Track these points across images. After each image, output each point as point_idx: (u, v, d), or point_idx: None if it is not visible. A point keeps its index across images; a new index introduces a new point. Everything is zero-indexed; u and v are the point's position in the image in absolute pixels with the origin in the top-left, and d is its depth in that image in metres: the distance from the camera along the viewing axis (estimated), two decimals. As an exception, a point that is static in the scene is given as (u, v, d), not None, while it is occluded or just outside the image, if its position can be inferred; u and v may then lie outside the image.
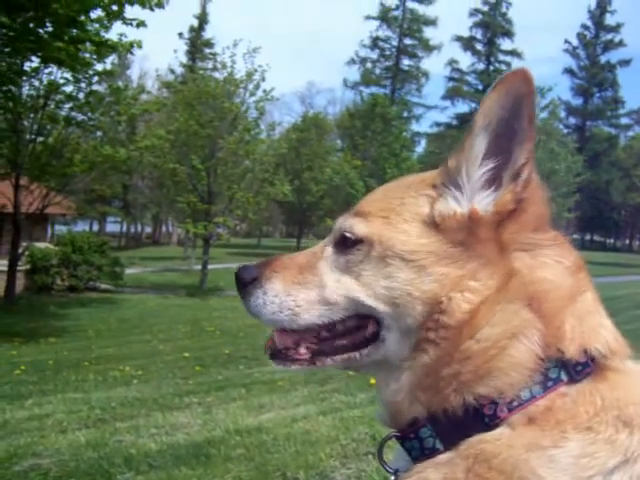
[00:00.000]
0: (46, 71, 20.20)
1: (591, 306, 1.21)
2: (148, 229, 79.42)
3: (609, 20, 77.74)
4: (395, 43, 73.31)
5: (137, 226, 75.86)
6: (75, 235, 31.35)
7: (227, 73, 31.82)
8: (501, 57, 74.92)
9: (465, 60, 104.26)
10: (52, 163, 22.12)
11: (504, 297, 1.14)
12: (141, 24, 16.80)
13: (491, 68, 74.12)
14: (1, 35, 16.22)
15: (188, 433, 6.26)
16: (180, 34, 66.45)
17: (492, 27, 72.99)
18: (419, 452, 1.18)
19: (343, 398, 8.00)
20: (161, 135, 25.41)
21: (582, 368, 1.14)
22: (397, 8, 72.41)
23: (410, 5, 72.09)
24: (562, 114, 74.27)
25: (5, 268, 23.96)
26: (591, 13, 78.08)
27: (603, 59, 78.77)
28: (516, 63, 72.30)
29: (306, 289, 1.32)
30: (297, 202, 55.06)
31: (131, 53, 18.87)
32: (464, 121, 74.05)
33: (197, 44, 66.09)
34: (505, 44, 74.83)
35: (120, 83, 26.49)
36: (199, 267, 34.52)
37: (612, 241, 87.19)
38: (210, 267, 33.88)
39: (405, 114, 64.68)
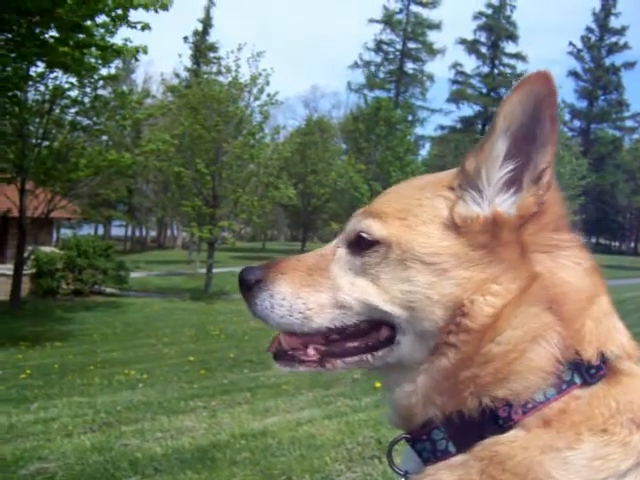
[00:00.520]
0: (51, 76, 20.27)
1: (607, 309, 1.22)
2: (153, 233, 79.59)
3: (614, 23, 77.61)
4: (399, 47, 73.34)
5: (142, 230, 76.01)
6: (80, 239, 31.42)
7: (231, 77, 31.90)
8: (505, 60, 74.83)
9: (469, 63, 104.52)
10: (57, 167, 22.18)
11: (526, 300, 1.14)
12: (146, 27, 16.83)
13: (495, 71, 74.05)
14: (7, 40, 16.29)
15: (193, 437, 6.26)
16: (185, 38, 66.73)
17: (496, 30, 72.92)
18: (431, 454, 1.17)
19: (348, 402, 7.99)
20: (166, 139, 25.45)
21: (596, 371, 1.14)
22: (401, 12, 72.48)
23: (414, 9, 72.17)
24: (566, 117, 74.18)
25: (11, 272, 24.03)
26: (596, 16, 77.95)
27: (608, 62, 78.60)
28: (520, 66, 72.29)
29: (317, 292, 1.29)
30: (302, 206, 55.14)
31: (136, 59, 18.91)
32: (469, 124, 74.05)
33: (201, 48, 66.23)
34: (509, 47, 74.75)
35: (125, 87, 26.59)
36: (204, 271, 34.54)
37: (617, 244, 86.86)
38: (215, 271, 33.90)
39: (409, 117, 64.61)
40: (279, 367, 1.34)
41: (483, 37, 74.93)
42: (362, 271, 1.26)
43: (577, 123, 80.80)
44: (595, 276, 1.22)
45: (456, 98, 75.74)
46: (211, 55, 65.21)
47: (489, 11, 73.65)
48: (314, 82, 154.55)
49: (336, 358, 1.30)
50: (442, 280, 1.18)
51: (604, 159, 73.16)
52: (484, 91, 74.31)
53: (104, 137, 25.16)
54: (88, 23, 16.30)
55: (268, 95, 31.94)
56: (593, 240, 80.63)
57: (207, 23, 67.21)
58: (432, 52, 72.96)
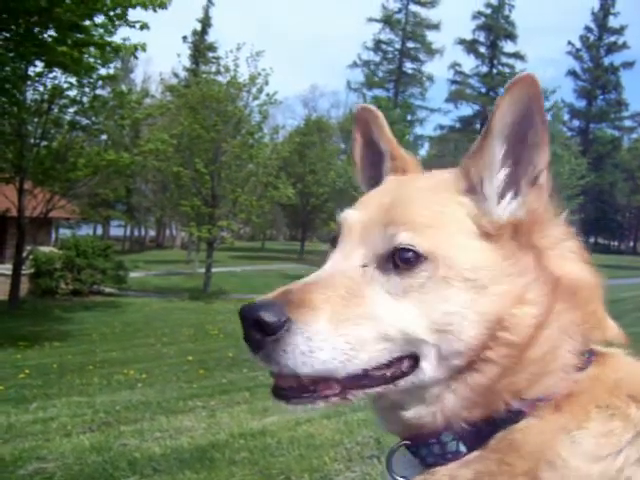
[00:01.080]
0: (50, 75, 20.25)
1: (601, 296, 1.25)
2: (152, 233, 79.52)
3: (612, 22, 77.67)
4: (398, 46, 73.39)
5: (141, 230, 75.95)
6: (79, 239, 31.42)
7: (230, 77, 31.87)
8: (504, 60, 74.86)
9: (468, 63, 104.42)
10: (56, 167, 22.14)
11: (554, 302, 1.15)
12: (144, 26, 16.83)
13: (494, 71, 74.07)
14: (5, 39, 16.27)
15: (192, 437, 6.25)
16: (184, 38, 66.72)
17: (495, 30, 72.94)
18: (438, 457, 1.16)
19: (347, 401, 7.97)
20: (164, 139, 25.44)
21: (588, 355, 1.18)
22: (400, 11, 72.54)
23: (413, 8, 72.21)
24: (565, 117, 74.20)
25: (9, 272, 24.01)
26: (594, 15, 77.97)
27: (607, 61, 78.64)
28: (519, 66, 72.32)
29: (356, 325, 1.10)
30: (301, 205, 55.13)
31: (135, 56, 18.89)
32: (467, 124, 74.09)
33: (200, 48, 66.22)
34: (508, 47, 74.82)
35: (124, 87, 26.54)
36: (203, 270, 34.54)
37: (616, 244, 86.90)
38: (214, 270, 33.91)
39: (408, 117, 64.67)
40: (293, 408, 1.15)
41: (482, 37, 75.01)
42: (403, 294, 1.13)
43: (576, 123, 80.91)
44: (590, 265, 1.25)
45: (455, 98, 75.79)
46: (210, 55, 65.20)
47: (488, 11, 73.69)
48: (313, 81, 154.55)
49: (358, 389, 1.15)
50: (481, 297, 1.12)
51: (603, 159, 73.19)
52: (483, 91, 74.34)
53: (103, 137, 25.09)
54: (87, 23, 16.29)
55: (267, 95, 31.96)
56: (592, 239, 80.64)
57: (206, 23, 67.20)
58: (431, 52, 73.03)
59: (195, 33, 66.99)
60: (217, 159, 31.03)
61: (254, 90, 31.79)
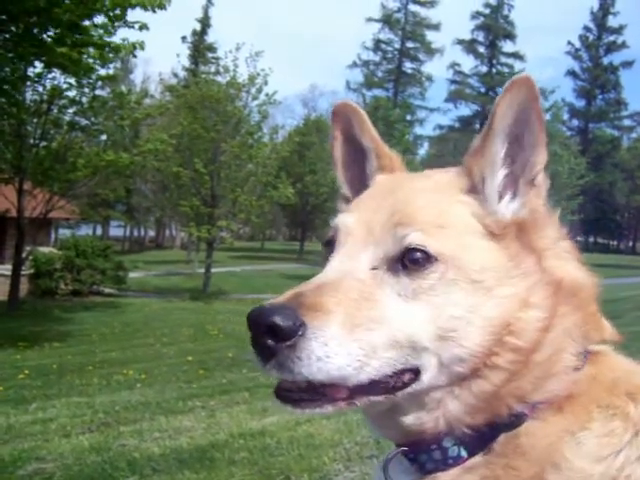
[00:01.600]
0: (49, 76, 20.24)
1: (597, 296, 1.24)
2: (151, 233, 79.51)
3: (612, 22, 77.82)
4: (397, 46, 73.45)
5: (140, 230, 75.94)
6: (79, 239, 31.41)
7: (230, 77, 31.88)
8: (503, 59, 74.99)
9: (467, 63, 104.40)
10: (55, 168, 22.13)
11: (557, 305, 1.15)
12: (144, 27, 16.82)
13: (493, 71, 74.16)
14: (4, 40, 16.26)
15: (192, 437, 6.25)
16: (183, 38, 66.74)
17: (494, 30, 73.01)
18: (440, 463, 1.14)
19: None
20: (164, 139, 25.45)
21: (584, 355, 1.17)
22: (399, 11, 72.61)
23: (412, 8, 72.26)
24: (565, 116, 74.28)
25: (9, 272, 23.99)
26: (594, 15, 78.05)
27: (606, 61, 78.77)
28: (518, 65, 72.43)
29: (368, 329, 1.07)
30: (300, 205, 55.12)
31: (134, 55, 18.87)
32: (467, 124, 74.14)
33: (200, 48, 66.26)
34: (507, 46, 74.98)
35: (123, 88, 26.54)
36: (202, 271, 34.54)
37: (615, 243, 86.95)
38: (213, 270, 33.91)
39: (408, 117, 64.68)
40: (300, 411, 1.11)
41: (481, 37, 75.14)
42: (413, 296, 1.11)
43: (575, 122, 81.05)
44: (584, 265, 1.25)
45: (454, 98, 75.88)
46: (209, 55, 65.23)
47: (487, 11, 73.77)
48: (313, 81, 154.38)
49: (363, 395, 1.10)
50: (487, 301, 1.11)
51: (602, 158, 73.25)
52: (482, 90, 74.44)
53: (102, 137, 25.07)
54: (86, 23, 16.28)
55: (266, 95, 31.96)
56: (591, 239, 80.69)
57: (205, 23, 67.24)
58: (430, 51, 73.10)
59: (194, 33, 67.05)
60: (216, 159, 31.03)
61: (253, 90, 31.83)
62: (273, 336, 1.01)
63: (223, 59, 34.01)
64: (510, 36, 74.12)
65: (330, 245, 1.26)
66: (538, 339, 1.12)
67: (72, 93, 21.25)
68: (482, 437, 1.12)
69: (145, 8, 15.99)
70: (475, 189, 1.21)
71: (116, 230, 71.38)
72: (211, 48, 66.54)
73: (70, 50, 15.87)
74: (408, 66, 74.28)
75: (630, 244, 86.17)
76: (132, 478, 4.97)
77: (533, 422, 1.11)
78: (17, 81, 18.52)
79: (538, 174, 1.21)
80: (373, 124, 1.44)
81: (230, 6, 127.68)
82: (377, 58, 74.48)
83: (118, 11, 16.23)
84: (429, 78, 73.90)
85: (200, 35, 67.17)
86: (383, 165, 1.41)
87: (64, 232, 49.47)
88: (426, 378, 1.12)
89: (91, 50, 17.20)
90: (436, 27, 72.23)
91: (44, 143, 22.82)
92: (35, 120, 22.12)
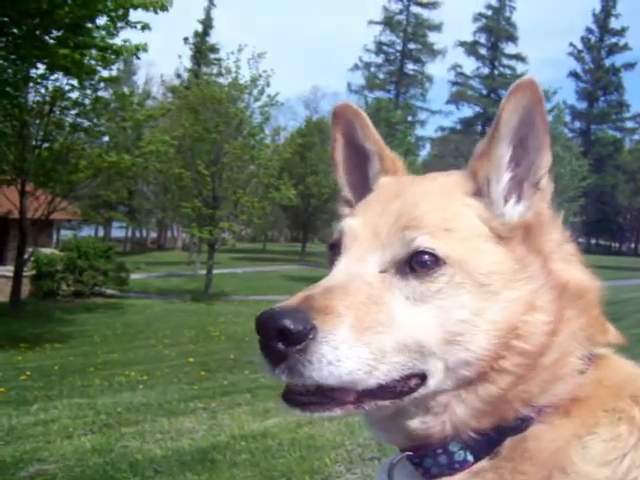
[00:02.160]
0: (52, 78, 20.26)
1: (600, 299, 1.24)
2: (153, 234, 79.58)
3: (614, 24, 77.78)
4: (399, 48, 73.52)
5: (142, 231, 76.02)
6: (80, 240, 31.44)
7: (232, 78, 31.91)
8: (505, 61, 75.05)
9: (469, 65, 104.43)
10: (58, 169, 22.18)
11: (563, 309, 1.15)
12: (146, 27, 16.86)
13: (495, 72, 74.19)
14: (7, 42, 16.29)
15: (193, 438, 6.25)
16: (185, 40, 66.80)
17: (496, 31, 73.06)
18: (445, 467, 1.13)
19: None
20: (165, 140, 25.47)
21: (589, 359, 1.17)
22: (401, 13, 72.65)
23: (414, 10, 72.32)
24: (567, 118, 74.22)
25: (11, 274, 24.02)
26: (596, 17, 78.04)
27: (608, 63, 78.76)
28: (520, 67, 72.49)
29: (377, 333, 1.06)
30: (302, 207, 55.11)
31: (137, 57, 18.88)
32: (468, 125, 74.17)
33: (202, 49, 66.32)
34: (509, 48, 75.06)
35: (126, 89, 26.56)
36: (204, 272, 34.54)
37: (617, 245, 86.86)
38: (215, 272, 33.91)
39: (409, 118, 64.72)
40: (310, 415, 1.09)
41: (483, 38, 75.20)
42: (422, 300, 1.10)
43: (577, 124, 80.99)
44: (587, 268, 1.25)
45: (456, 99, 75.89)
46: (211, 56, 65.30)
47: (489, 12, 73.78)
48: (315, 83, 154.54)
49: (371, 399, 1.09)
50: (492, 304, 1.10)
51: (604, 160, 73.18)
52: (484, 92, 74.45)
53: (105, 138, 25.11)
54: (88, 25, 16.32)
55: (268, 96, 31.97)
56: (593, 241, 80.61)
57: (207, 24, 67.30)
58: (432, 53, 73.15)
59: (196, 34, 67.08)
60: (218, 160, 31.04)
61: (255, 91, 31.84)
62: (283, 340, 1.00)
63: (225, 60, 34.10)
64: (512, 38, 74.18)
65: (335, 248, 1.25)
66: (545, 342, 1.11)
67: (74, 95, 21.31)
68: (488, 441, 1.12)
69: (147, 9, 16.02)
70: (480, 192, 1.21)
71: (118, 231, 71.42)
72: (213, 49, 66.64)
73: (72, 52, 15.91)
74: (410, 67, 74.42)
75: (632, 246, 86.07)
76: (134, 479, 4.97)
77: (540, 426, 1.11)
78: (19, 83, 18.55)
79: (542, 177, 1.20)
80: (375, 126, 1.43)
81: (232, 7, 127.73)
82: (379, 60, 74.65)
83: (120, 12, 16.27)
84: (429, 79, 73.98)
85: (202, 36, 67.22)
86: (386, 168, 1.40)
87: (66, 233, 49.51)
88: (432, 383, 1.11)
89: (93, 52, 17.23)
90: (438, 28, 72.33)
91: (46, 144, 22.84)
92: (37, 121, 22.15)
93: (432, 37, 73.15)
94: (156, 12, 16.27)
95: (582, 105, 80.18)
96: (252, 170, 32.48)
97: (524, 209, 1.20)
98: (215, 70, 42.59)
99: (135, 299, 29.87)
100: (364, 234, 1.20)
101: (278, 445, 5.67)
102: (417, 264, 1.11)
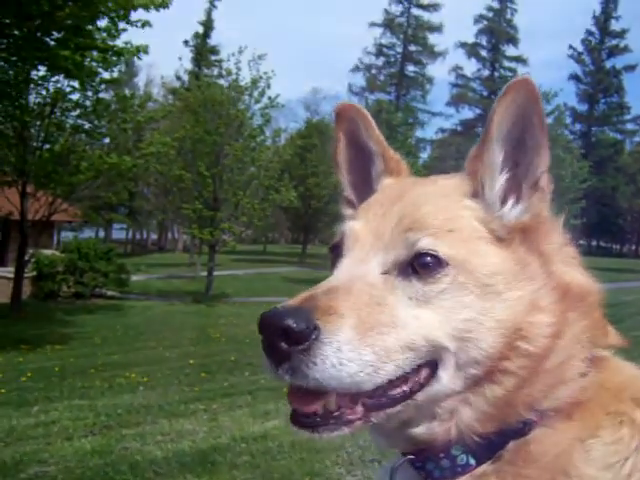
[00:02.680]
0: (53, 79, 20.27)
1: (601, 301, 1.24)
2: (154, 236, 79.56)
3: (614, 26, 77.72)
4: (400, 50, 73.53)
5: (143, 233, 76.03)
6: (81, 242, 31.40)
7: (232, 80, 31.90)
8: (506, 63, 75.00)
9: (470, 66, 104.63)
10: (58, 171, 22.15)
11: (565, 311, 1.14)
12: (146, 24, 16.88)
13: (496, 74, 74.18)
14: (8, 44, 16.30)
15: (194, 440, 6.25)
16: (185, 42, 66.82)
17: (497, 33, 73.07)
18: (447, 471, 1.13)
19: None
20: (166, 142, 25.47)
21: (590, 361, 1.17)
22: (402, 15, 72.66)
23: (415, 12, 72.34)
24: (568, 120, 74.18)
25: (11, 275, 24.02)
26: (596, 19, 78.02)
27: (608, 65, 78.71)
28: (521, 69, 72.48)
29: (381, 334, 1.06)
30: (302, 208, 55.10)
31: (138, 58, 18.90)
32: (469, 127, 74.16)
33: (202, 51, 66.32)
34: (510, 50, 75.03)
35: (127, 91, 26.58)
36: (205, 274, 34.51)
37: (618, 247, 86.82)
38: (216, 273, 33.88)
39: (410, 120, 64.70)
40: (318, 437, 1.08)
41: (484, 40, 75.17)
42: (425, 300, 1.10)
43: (578, 126, 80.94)
44: (587, 270, 1.25)
45: (456, 101, 75.90)
46: (212, 58, 65.32)
47: (490, 14, 73.79)
48: (315, 85, 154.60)
49: (378, 410, 1.10)
50: (496, 304, 1.10)
51: (605, 162, 73.14)
52: (485, 94, 74.43)
53: (106, 140, 25.10)
54: (89, 27, 16.33)
55: (269, 98, 31.94)
56: (594, 243, 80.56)
57: (208, 26, 67.28)
58: (433, 55, 73.18)
59: (197, 36, 67.08)
60: (219, 162, 31.02)
61: (256, 93, 31.80)
62: (286, 339, 0.99)
63: (226, 62, 34.09)
64: (513, 40, 74.20)
65: (337, 250, 1.25)
66: (549, 345, 1.11)
67: (75, 96, 21.31)
68: (490, 445, 1.12)
69: (147, 8, 16.05)
70: (478, 194, 1.21)
71: (118, 233, 71.43)
72: (214, 51, 66.65)
73: (73, 53, 15.91)
74: (410, 69, 74.43)
75: (633, 248, 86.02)
76: (134, 481, 4.97)
77: (542, 429, 1.11)
78: (20, 84, 18.57)
79: (541, 177, 1.19)
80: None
81: (233, 9, 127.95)
82: (379, 62, 74.68)
83: (121, 12, 16.29)
84: (429, 80, 73.98)
85: (203, 38, 67.21)
86: (390, 168, 1.40)
87: (67, 235, 49.50)
88: (443, 376, 1.11)
89: (94, 53, 17.25)
90: (438, 29, 72.34)
91: (47, 146, 22.82)
92: (38, 123, 22.14)
93: (432, 39, 73.31)
94: (157, 10, 16.29)
95: (583, 107, 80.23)
96: (253, 172, 32.46)
97: (522, 210, 1.19)
98: (215, 72, 42.75)
99: (136, 301, 29.86)
100: (366, 236, 1.20)
101: (278, 447, 5.67)
102: (420, 265, 1.12)
